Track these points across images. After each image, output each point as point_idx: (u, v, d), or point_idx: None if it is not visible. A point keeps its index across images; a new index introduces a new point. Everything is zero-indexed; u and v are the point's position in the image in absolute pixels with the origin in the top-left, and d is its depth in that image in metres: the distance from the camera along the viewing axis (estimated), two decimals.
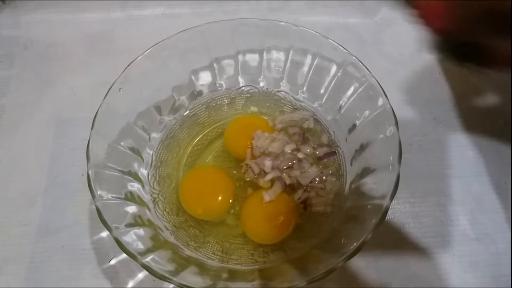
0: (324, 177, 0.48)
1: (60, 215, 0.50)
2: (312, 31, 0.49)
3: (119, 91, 0.46)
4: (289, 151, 0.49)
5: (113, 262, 0.47)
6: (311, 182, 0.47)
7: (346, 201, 0.46)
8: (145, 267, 0.36)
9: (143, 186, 0.47)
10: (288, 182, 0.47)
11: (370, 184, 0.43)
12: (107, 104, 0.44)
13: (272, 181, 0.47)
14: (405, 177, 0.43)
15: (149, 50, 0.48)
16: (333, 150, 0.50)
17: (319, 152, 0.50)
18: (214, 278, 0.40)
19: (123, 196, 0.43)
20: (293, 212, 0.46)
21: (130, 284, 0.46)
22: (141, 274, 0.46)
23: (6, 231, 0.50)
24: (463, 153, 0.54)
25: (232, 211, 0.48)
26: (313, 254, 0.42)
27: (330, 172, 0.49)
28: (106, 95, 0.44)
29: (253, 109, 0.55)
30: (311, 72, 0.52)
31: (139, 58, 0.47)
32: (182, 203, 0.47)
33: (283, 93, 0.55)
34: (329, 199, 0.47)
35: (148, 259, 0.37)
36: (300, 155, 0.49)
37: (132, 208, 0.43)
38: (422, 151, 0.54)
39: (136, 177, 0.47)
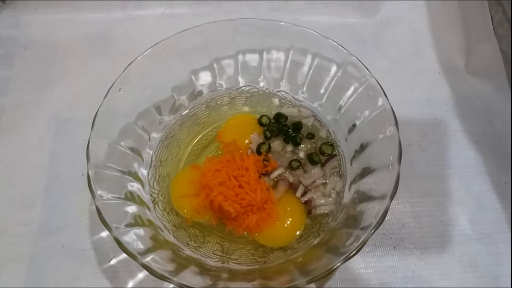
0: (327, 179, 0.48)
1: (60, 215, 0.50)
2: (312, 31, 0.49)
3: (119, 91, 0.46)
4: (290, 149, 0.49)
5: (113, 262, 0.47)
6: (313, 182, 0.47)
7: (346, 201, 0.46)
8: (145, 267, 0.36)
9: (143, 186, 0.47)
10: (291, 180, 0.47)
11: (370, 184, 0.43)
12: (107, 104, 0.44)
13: (275, 182, 0.47)
14: (405, 177, 0.43)
15: (149, 50, 0.48)
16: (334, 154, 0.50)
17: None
18: (214, 278, 0.40)
19: (123, 196, 0.43)
20: (303, 212, 0.46)
21: (130, 284, 0.46)
22: (141, 274, 0.46)
23: (6, 231, 0.50)
24: (463, 153, 0.54)
25: None
26: (313, 254, 0.42)
27: (334, 173, 0.49)
28: (106, 95, 0.44)
29: (245, 109, 0.55)
30: (311, 72, 0.52)
31: (139, 58, 0.47)
32: (175, 207, 0.47)
33: (283, 93, 0.55)
34: (332, 200, 0.47)
35: (148, 259, 0.37)
36: (301, 154, 0.49)
37: (132, 208, 0.43)
38: (422, 151, 0.54)
39: (136, 177, 0.47)
